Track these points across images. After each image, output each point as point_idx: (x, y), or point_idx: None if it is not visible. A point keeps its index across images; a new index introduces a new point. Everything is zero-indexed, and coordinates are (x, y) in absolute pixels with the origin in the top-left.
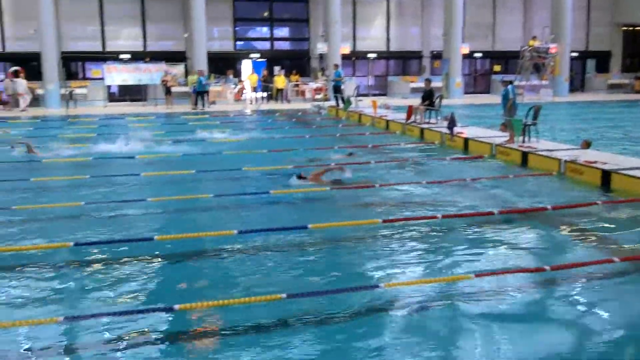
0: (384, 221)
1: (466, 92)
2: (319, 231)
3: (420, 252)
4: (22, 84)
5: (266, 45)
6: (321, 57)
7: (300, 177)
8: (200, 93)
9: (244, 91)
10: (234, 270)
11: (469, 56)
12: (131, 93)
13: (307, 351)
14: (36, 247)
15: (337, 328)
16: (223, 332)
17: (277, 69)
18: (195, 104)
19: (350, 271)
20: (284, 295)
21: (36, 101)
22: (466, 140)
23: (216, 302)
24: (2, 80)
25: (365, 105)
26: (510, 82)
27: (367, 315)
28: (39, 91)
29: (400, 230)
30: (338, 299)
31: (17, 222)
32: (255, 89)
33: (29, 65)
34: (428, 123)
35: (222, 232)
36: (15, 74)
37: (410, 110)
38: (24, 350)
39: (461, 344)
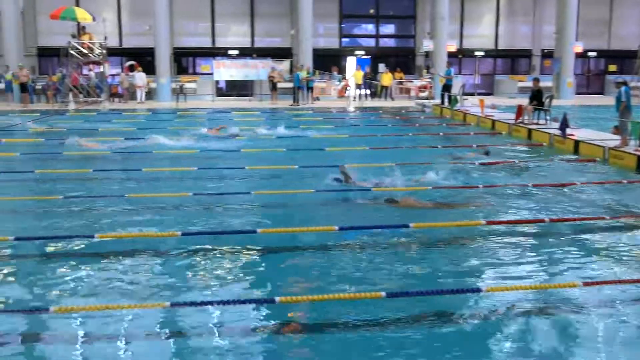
0: (488, 223)
1: (578, 93)
2: (421, 231)
3: (524, 256)
4: (141, 77)
5: (371, 42)
6: (427, 54)
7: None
8: (298, 89)
9: (348, 88)
10: (334, 267)
11: (582, 55)
12: (238, 88)
13: (402, 351)
14: (146, 234)
15: (434, 330)
16: (321, 327)
17: (382, 66)
18: (294, 100)
19: (451, 273)
20: (383, 294)
21: (148, 94)
22: (577, 142)
23: (316, 296)
24: (118, 74)
25: (470, 104)
26: (625, 83)
27: (466, 318)
28: (152, 85)
29: (504, 233)
30: (438, 301)
31: (130, 210)
32: (359, 86)
33: (143, 59)
34: (536, 124)
35: (324, 228)
36: (131, 68)
37: (520, 110)
38: (131, 332)
39: (563, 355)
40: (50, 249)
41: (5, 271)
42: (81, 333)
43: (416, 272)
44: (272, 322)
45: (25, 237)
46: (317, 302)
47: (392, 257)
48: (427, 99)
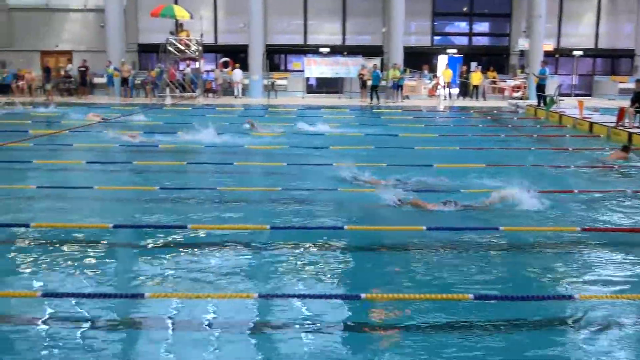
0: (583, 229)
1: None
2: (512, 234)
3: (621, 265)
4: (238, 74)
5: (464, 40)
6: (522, 53)
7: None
8: (374, 87)
9: (439, 87)
10: (421, 266)
11: None
12: (328, 85)
13: (489, 356)
14: (237, 227)
15: (523, 335)
16: (405, 326)
17: (473, 65)
18: (371, 98)
19: (542, 278)
20: (471, 296)
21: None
22: None
23: (402, 295)
24: (212, 70)
25: (567, 105)
26: None
27: (557, 325)
28: (245, 81)
29: (600, 240)
30: (528, 306)
31: (221, 202)
32: (449, 85)
33: (237, 56)
34: (638, 127)
35: (411, 227)
36: (225, 65)
37: (622, 113)
38: (218, 321)
39: None
40: (145, 237)
41: (104, 257)
42: (173, 319)
43: (506, 276)
44: (356, 317)
45: (123, 224)
46: (402, 301)
47: (481, 259)
48: (520, 99)
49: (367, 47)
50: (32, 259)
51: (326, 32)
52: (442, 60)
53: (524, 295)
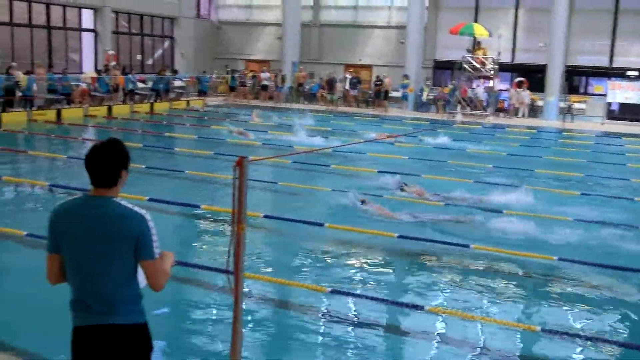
0: None
1: None
2: None
3: None
4: (526, 95)
5: None
6: None
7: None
8: None
9: None
10: None
11: None
12: (633, 112)
13: None
14: (519, 253)
15: None
16: None
17: None
18: None
19: None
20: None
21: (533, 112)
22: None
23: None
24: (507, 90)
25: None
26: None
27: None
28: (539, 102)
29: None
30: None
31: (507, 227)
32: None
33: (533, 76)
34: None
35: None
36: (519, 85)
37: None
38: (492, 345)
39: None
40: (429, 251)
41: (388, 265)
42: (450, 335)
43: None
44: None
45: (406, 236)
46: None
47: None
48: None
49: None
50: (321, 255)
51: (636, 55)
52: None
53: None
